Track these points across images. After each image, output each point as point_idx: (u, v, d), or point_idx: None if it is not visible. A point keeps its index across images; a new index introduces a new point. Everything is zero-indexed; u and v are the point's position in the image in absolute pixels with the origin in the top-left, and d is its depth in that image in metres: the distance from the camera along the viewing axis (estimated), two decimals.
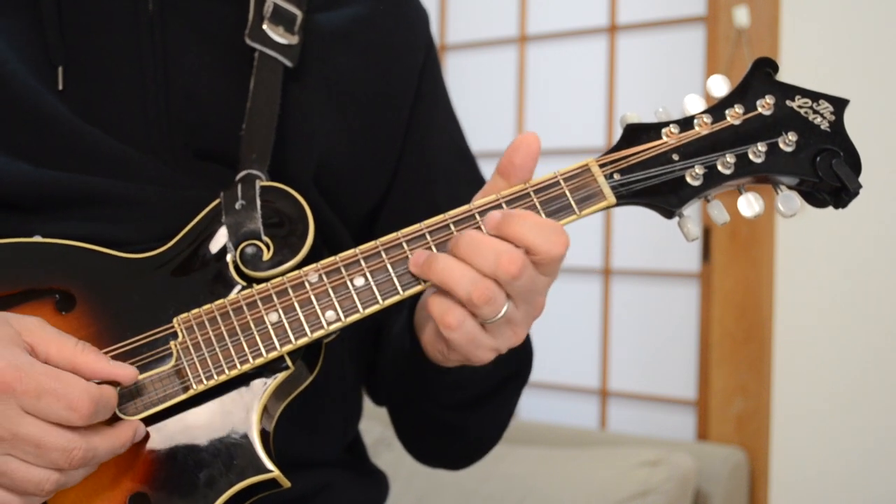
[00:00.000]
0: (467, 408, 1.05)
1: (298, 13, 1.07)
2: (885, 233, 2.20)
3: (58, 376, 0.81)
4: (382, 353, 1.16)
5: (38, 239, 0.95)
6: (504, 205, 0.89)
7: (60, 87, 1.01)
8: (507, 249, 0.84)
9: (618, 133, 0.91)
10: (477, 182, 1.20)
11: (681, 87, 2.47)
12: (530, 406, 2.70)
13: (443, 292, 0.86)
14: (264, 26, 1.04)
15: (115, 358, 0.90)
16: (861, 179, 0.89)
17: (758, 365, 2.33)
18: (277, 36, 1.04)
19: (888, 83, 2.19)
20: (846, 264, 2.24)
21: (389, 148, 1.14)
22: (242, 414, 0.90)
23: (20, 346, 0.82)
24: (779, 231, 2.32)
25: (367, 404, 1.24)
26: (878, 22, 2.21)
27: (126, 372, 0.86)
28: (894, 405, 2.19)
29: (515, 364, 1.05)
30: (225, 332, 0.90)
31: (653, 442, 2.36)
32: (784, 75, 0.93)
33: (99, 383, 0.85)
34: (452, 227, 0.89)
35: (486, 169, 1.25)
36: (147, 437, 0.90)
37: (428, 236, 0.89)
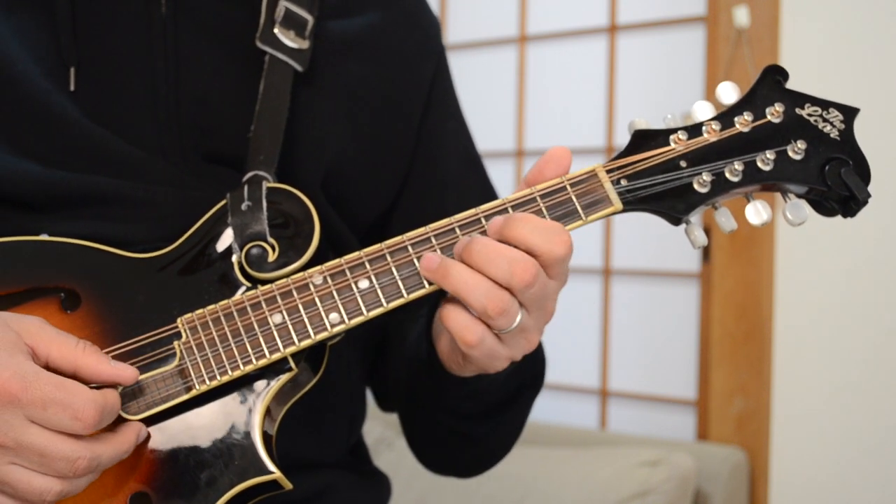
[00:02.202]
0: (483, 418, 1.05)
1: (310, 18, 1.07)
2: (885, 233, 2.20)
3: (63, 385, 0.81)
4: (394, 360, 1.15)
5: (44, 237, 0.95)
6: (510, 209, 0.88)
7: (72, 88, 1.01)
8: (520, 258, 0.83)
9: (618, 133, 0.91)
10: (486, 190, 1.20)
11: (681, 87, 2.47)
12: None
13: (458, 305, 0.86)
14: (275, 30, 1.04)
15: (118, 357, 0.89)
16: None
17: (758, 365, 2.33)
18: (288, 40, 1.04)
19: (888, 83, 2.19)
20: (846, 264, 2.24)
21: (399, 155, 1.14)
22: (245, 415, 0.90)
23: (23, 352, 0.82)
24: (779, 231, 2.32)
25: (369, 405, 1.24)
26: (878, 22, 2.20)
27: (128, 373, 0.86)
28: (894, 405, 2.19)
29: (530, 373, 1.05)
30: (228, 333, 0.90)
31: (653, 442, 2.36)
32: None
33: (101, 386, 0.85)
34: (458, 230, 0.89)
35: (489, 170, 1.25)
36: (149, 436, 0.89)
37: (433, 240, 0.89)
